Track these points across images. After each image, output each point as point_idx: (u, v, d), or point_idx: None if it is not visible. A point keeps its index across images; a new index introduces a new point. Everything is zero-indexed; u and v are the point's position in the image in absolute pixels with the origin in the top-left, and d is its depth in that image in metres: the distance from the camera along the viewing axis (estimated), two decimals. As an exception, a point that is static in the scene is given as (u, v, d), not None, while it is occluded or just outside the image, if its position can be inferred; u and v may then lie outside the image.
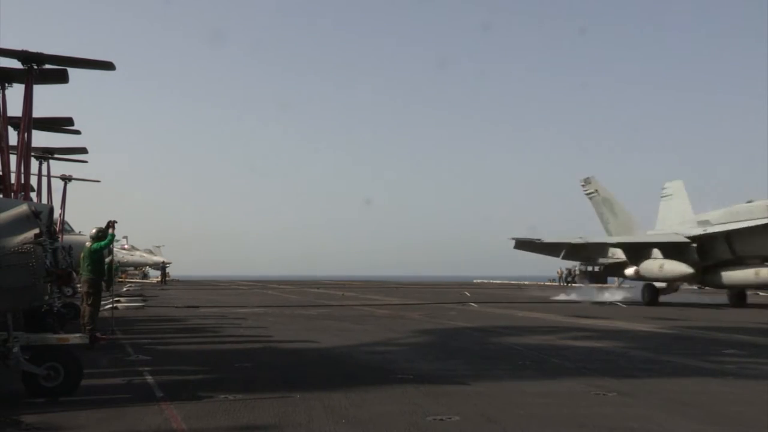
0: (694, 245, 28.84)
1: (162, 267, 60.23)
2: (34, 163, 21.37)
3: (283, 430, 6.30)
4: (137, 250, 60.38)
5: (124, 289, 38.96)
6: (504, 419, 6.68)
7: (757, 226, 26.57)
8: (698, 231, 29.39)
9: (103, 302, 22.69)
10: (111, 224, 13.43)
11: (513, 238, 33.04)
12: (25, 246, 7.30)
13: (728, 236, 27.73)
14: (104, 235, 13.32)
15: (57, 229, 23.56)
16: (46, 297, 8.52)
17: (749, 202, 28.17)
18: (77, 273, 23.38)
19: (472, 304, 27.19)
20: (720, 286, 29.58)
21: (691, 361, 10.87)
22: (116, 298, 24.86)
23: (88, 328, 12.36)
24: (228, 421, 6.56)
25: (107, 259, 15.07)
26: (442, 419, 6.64)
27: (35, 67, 14.16)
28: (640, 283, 31.48)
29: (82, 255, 13.38)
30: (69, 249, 15.20)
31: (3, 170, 14.20)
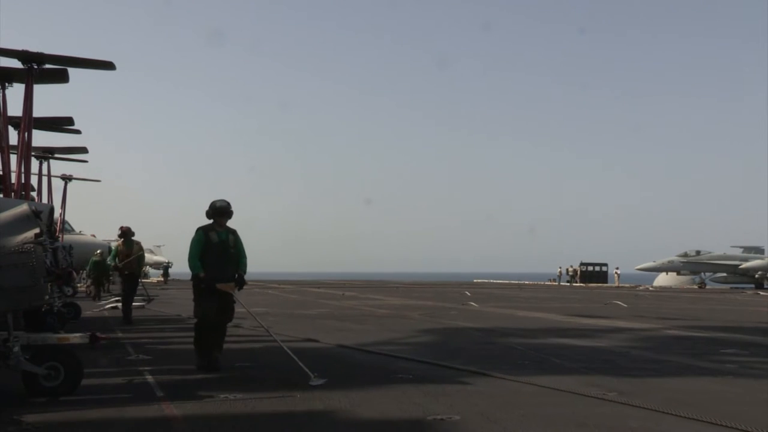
0: None
1: (165, 267, 60.32)
2: (35, 163, 21.43)
3: (283, 430, 6.32)
4: (137, 250, 60.21)
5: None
6: (504, 419, 6.69)
7: None
8: None
9: (104, 302, 22.73)
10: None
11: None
12: (25, 246, 7.31)
13: None
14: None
15: (57, 228, 23.59)
16: (47, 297, 8.53)
17: None
18: (77, 273, 23.42)
19: (473, 303, 27.19)
20: None
21: (691, 361, 10.88)
22: (116, 298, 24.86)
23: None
24: (228, 421, 6.57)
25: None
26: (442, 419, 6.64)
27: (35, 66, 14.20)
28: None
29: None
30: (69, 249, 15.20)
31: (3, 170, 14.23)
